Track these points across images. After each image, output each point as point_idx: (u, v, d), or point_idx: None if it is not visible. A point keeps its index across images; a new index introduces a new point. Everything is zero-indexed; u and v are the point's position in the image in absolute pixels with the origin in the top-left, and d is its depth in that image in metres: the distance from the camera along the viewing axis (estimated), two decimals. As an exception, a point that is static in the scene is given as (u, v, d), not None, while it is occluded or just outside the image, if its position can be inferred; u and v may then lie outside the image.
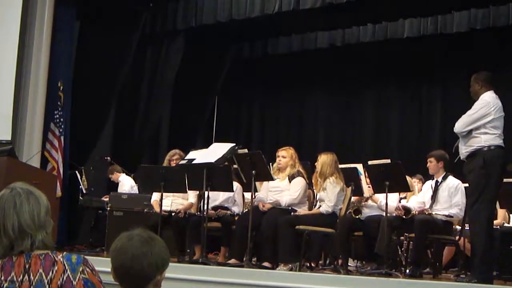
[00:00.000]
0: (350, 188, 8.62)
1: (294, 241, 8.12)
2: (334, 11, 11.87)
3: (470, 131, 7.17)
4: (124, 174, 11.95)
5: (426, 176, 9.19)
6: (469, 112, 7.26)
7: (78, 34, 12.18)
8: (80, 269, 2.77)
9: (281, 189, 8.67)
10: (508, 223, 9.49)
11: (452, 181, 8.49)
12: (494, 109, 7.14)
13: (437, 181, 8.55)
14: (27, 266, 2.74)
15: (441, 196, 8.45)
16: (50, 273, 2.73)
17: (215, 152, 8.41)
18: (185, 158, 8.78)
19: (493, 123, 7.12)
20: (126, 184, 11.72)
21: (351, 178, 8.80)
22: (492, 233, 7.34)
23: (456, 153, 7.48)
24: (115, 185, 11.98)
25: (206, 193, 8.37)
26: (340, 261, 9.13)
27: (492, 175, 7.01)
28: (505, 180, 7.63)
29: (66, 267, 2.75)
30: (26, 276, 2.72)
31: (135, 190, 11.44)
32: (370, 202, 9.16)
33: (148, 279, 2.79)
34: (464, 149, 7.23)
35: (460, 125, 7.26)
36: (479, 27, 11.89)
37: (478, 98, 7.31)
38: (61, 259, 2.77)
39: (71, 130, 11.31)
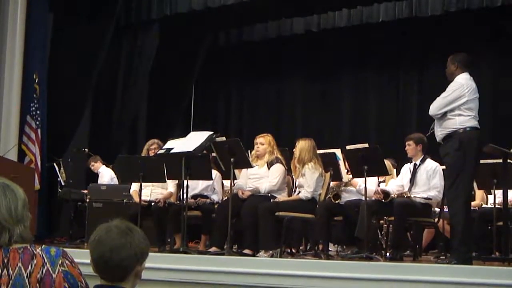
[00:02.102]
0: (329, 173, 8.65)
1: (274, 227, 8.13)
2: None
3: (445, 114, 7.18)
4: (103, 166, 11.89)
5: (403, 159, 9.22)
6: (443, 95, 7.28)
7: (52, 26, 12.09)
8: (60, 262, 2.76)
9: (260, 176, 8.67)
10: (486, 204, 9.54)
11: (430, 163, 8.53)
12: (468, 90, 7.16)
13: (415, 164, 8.59)
14: (5, 261, 2.72)
15: (419, 179, 8.49)
16: (29, 266, 2.72)
17: (193, 140, 8.40)
18: (163, 147, 8.77)
19: (468, 105, 7.14)
20: (106, 175, 11.65)
21: (329, 163, 8.82)
22: (470, 214, 7.38)
23: (432, 135, 7.52)
24: (94, 176, 11.91)
25: (185, 182, 8.37)
26: (320, 246, 9.16)
27: (468, 156, 7.04)
28: (482, 161, 7.68)
29: (45, 260, 2.74)
30: (5, 271, 2.71)
31: (114, 181, 11.38)
32: (349, 187, 9.18)
33: (128, 270, 2.79)
34: (439, 131, 7.25)
35: (434, 108, 7.28)
36: (453, 9, 11.91)
37: (453, 80, 7.34)
38: (40, 252, 2.77)
39: (48, 122, 11.27)
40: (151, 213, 9.14)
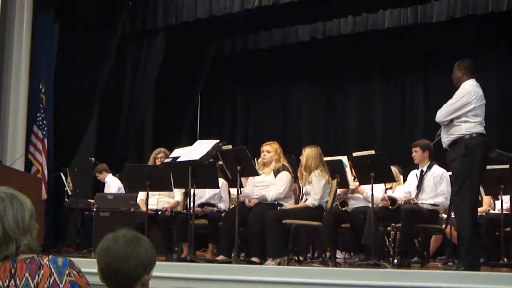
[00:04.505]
0: (335, 180, 8.64)
1: (281, 235, 8.12)
2: (314, 4, 11.85)
3: (451, 120, 7.18)
4: (110, 175, 11.89)
5: (409, 166, 9.20)
6: (450, 102, 7.27)
7: (58, 36, 12.11)
8: (67, 272, 2.76)
9: (267, 184, 8.67)
10: (494, 209, 9.53)
11: (437, 170, 8.52)
12: (475, 97, 7.15)
13: (422, 171, 8.58)
14: (12, 271, 2.72)
15: (426, 186, 8.48)
16: (36, 277, 2.72)
17: (199, 149, 8.41)
18: (170, 156, 8.78)
19: (474, 112, 7.13)
20: (113, 186, 11.64)
21: (336, 171, 8.80)
22: (477, 220, 7.38)
23: (438, 141, 7.51)
24: (101, 185, 11.92)
25: (192, 190, 8.38)
26: (328, 254, 9.16)
27: (475, 162, 7.03)
28: (488, 167, 7.66)
29: (52, 270, 2.74)
30: (12, 281, 2.70)
31: (122, 191, 11.38)
32: (356, 194, 9.17)
33: (135, 279, 2.79)
34: (446, 138, 7.24)
35: (441, 115, 7.27)
36: (458, 15, 11.92)
37: (460, 86, 7.33)
38: (47, 263, 2.76)
39: (54, 132, 11.28)
40: (158, 222, 9.14)
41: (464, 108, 7.13)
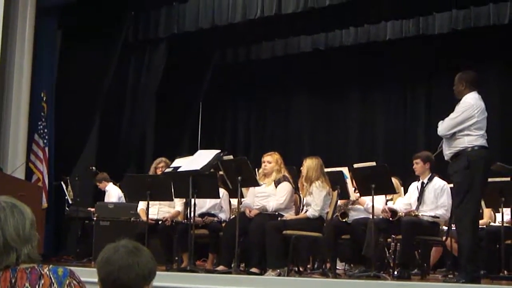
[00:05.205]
0: (336, 191, 8.63)
1: (281, 246, 8.11)
2: (316, 15, 11.86)
3: (454, 133, 7.18)
4: (111, 184, 11.88)
5: (410, 178, 9.19)
6: (452, 116, 7.26)
7: (60, 44, 12.13)
8: (67, 282, 2.75)
9: (268, 194, 8.66)
10: (494, 222, 9.52)
11: (438, 182, 8.51)
12: (477, 111, 7.15)
13: (423, 183, 8.57)
14: (13, 281, 2.71)
15: (427, 198, 8.47)
16: (37, 286, 2.71)
17: (200, 159, 8.42)
18: (171, 166, 8.78)
19: (477, 125, 7.12)
20: (114, 195, 11.64)
21: (337, 182, 8.80)
22: (477, 233, 7.36)
23: (440, 153, 7.51)
24: (101, 195, 11.92)
25: (192, 200, 8.37)
26: (328, 265, 9.14)
27: (477, 175, 7.02)
28: (490, 179, 7.66)
29: (53, 280, 2.73)
30: (13, 291, 2.71)
31: (122, 200, 11.38)
32: (356, 205, 9.16)
33: (136, 290, 2.78)
34: (448, 150, 7.24)
35: (443, 128, 7.26)
36: (460, 27, 11.94)
37: (462, 98, 7.32)
38: (47, 272, 2.76)
39: (55, 141, 11.27)
40: (158, 231, 9.14)
41: (466, 122, 7.12)
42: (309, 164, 8.51)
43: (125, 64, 13.27)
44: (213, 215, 9.31)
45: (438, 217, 8.35)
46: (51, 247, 10.82)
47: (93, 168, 12.25)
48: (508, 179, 7.92)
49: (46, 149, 10.86)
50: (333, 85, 14.46)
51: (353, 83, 14.43)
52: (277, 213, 8.51)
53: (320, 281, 7.83)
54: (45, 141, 10.84)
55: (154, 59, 13.28)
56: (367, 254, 8.27)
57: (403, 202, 8.78)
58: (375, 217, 8.23)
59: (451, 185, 7.75)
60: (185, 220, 9.29)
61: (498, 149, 11.14)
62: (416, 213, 8.33)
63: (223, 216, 9.41)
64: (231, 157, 9.37)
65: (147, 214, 8.88)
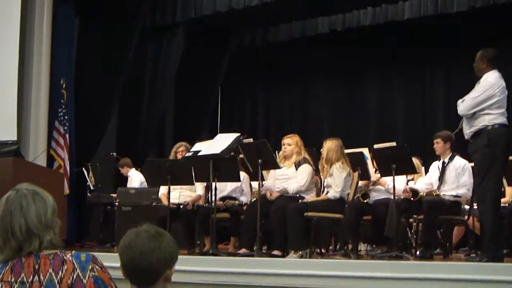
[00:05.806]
0: (357, 172, 8.62)
1: (303, 228, 8.12)
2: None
3: (474, 113, 7.14)
4: (133, 169, 11.91)
5: (430, 157, 9.15)
6: (472, 95, 7.19)
7: (78, 31, 12.17)
8: (90, 267, 2.77)
9: (288, 176, 8.66)
10: (516, 200, 9.46)
11: (459, 161, 8.46)
12: (498, 90, 7.09)
13: (444, 162, 8.53)
14: (36, 267, 2.74)
15: (448, 177, 8.43)
16: (60, 272, 2.73)
17: (220, 143, 8.42)
18: (191, 150, 8.80)
19: (498, 104, 7.07)
20: (136, 180, 11.66)
21: (357, 163, 8.79)
22: (499, 211, 7.32)
23: (459, 132, 7.48)
24: (123, 180, 11.97)
25: (213, 184, 8.38)
26: (350, 246, 9.13)
27: (497, 153, 6.98)
28: (511, 157, 7.61)
29: (76, 266, 2.75)
30: (36, 277, 2.73)
31: (145, 185, 11.40)
32: (377, 186, 9.14)
33: (158, 274, 2.79)
34: (468, 129, 7.20)
35: (464, 108, 7.21)
36: (479, 5, 11.84)
37: (482, 76, 7.26)
38: (70, 258, 2.78)
39: (75, 127, 11.33)
40: (179, 216, 9.16)
41: (487, 101, 7.07)
42: (329, 145, 8.51)
43: (143, 49, 13.28)
44: (234, 199, 9.32)
45: (459, 197, 8.31)
46: (73, 234, 10.90)
47: (114, 154, 12.29)
48: (530, 156, 7.85)
49: (67, 135, 10.92)
50: (352, 66, 14.40)
51: (372, 63, 14.36)
52: (298, 195, 8.51)
53: (342, 262, 7.82)
54: (65, 127, 10.90)
55: (172, 44, 13.28)
56: (389, 234, 8.26)
57: (424, 182, 8.76)
58: (396, 197, 8.20)
59: (472, 164, 7.71)
60: (206, 204, 9.30)
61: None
62: (438, 193, 8.30)
63: (244, 199, 9.41)
64: (251, 140, 9.37)
65: (169, 198, 8.90)
